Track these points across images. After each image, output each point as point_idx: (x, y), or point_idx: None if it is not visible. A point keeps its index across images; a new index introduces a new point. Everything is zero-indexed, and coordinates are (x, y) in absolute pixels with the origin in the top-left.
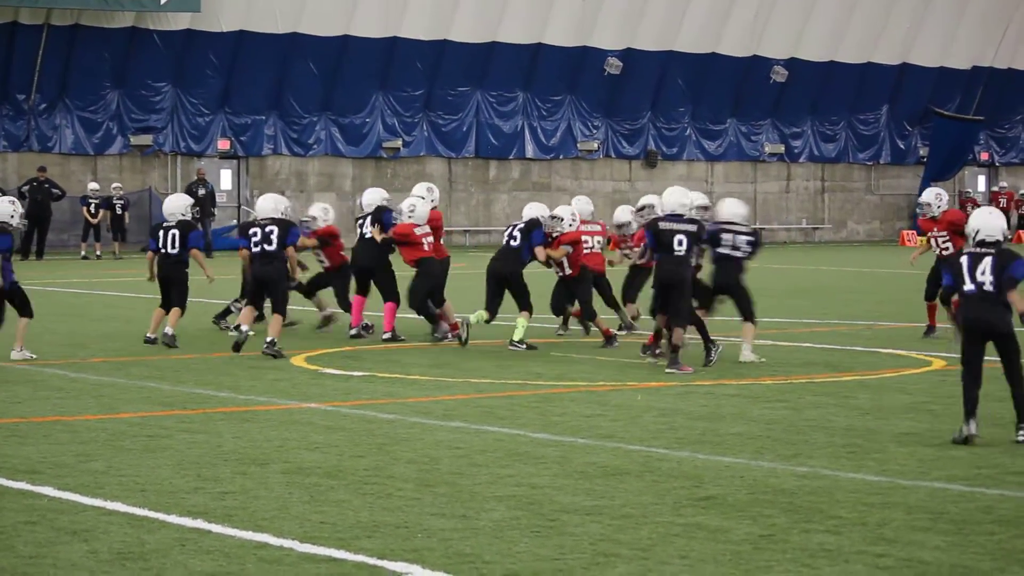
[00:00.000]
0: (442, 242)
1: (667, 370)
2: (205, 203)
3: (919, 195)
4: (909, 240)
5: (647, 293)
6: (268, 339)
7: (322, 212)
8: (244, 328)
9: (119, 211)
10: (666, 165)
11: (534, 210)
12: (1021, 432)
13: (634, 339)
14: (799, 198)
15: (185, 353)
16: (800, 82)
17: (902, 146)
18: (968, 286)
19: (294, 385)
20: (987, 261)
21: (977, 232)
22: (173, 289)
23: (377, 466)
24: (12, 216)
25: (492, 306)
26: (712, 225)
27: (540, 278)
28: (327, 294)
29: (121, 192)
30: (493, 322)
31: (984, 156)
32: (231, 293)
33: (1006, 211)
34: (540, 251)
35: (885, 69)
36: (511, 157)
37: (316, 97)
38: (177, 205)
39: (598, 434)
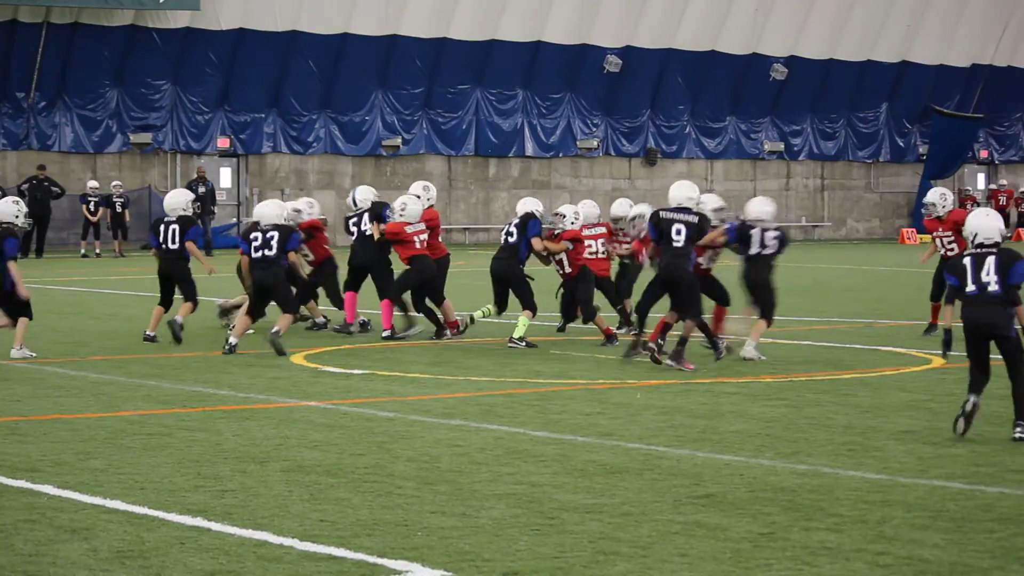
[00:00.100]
0: (441, 240)
1: (667, 361)
2: (205, 201)
3: (919, 193)
4: (909, 238)
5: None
6: (274, 329)
7: (307, 206)
8: (233, 341)
9: (119, 209)
10: (666, 163)
11: (528, 204)
12: (1019, 429)
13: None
14: (799, 196)
15: (185, 351)
16: (800, 80)
17: (902, 144)
18: (970, 287)
19: (294, 383)
20: (990, 261)
21: (975, 235)
22: (178, 285)
23: (377, 464)
24: (17, 216)
25: (500, 303)
26: (736, 223)
27: (541, 277)
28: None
29: (121, 190)
30: (494, 320)
31: (984, 154)
32: (230, 291)
33: (1005, 209)
34: (537, 241)
35: (885, 67)
36: (511, 155)
37: (316, 95)
38: (177, 200)
39: (598, 432)
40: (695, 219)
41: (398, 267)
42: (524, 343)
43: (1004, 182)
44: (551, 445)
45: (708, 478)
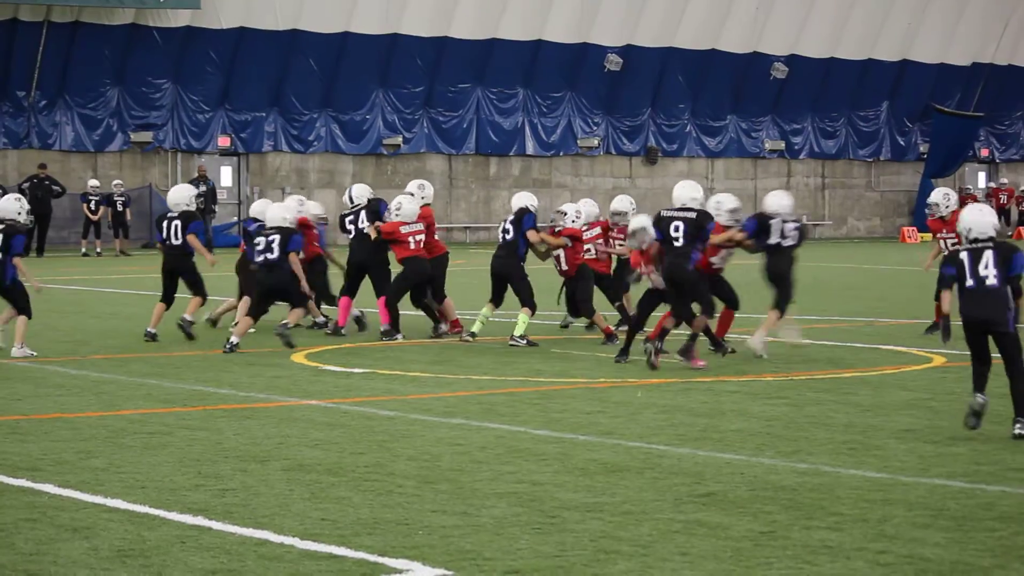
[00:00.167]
0: (438, 238)
1: (676, 356)
2: (206, 200)
3: (920, 192)
4: (910, 237)
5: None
6: (284, 321)
7: (296, 203)
8: (234, 340)
9: (120, 208)
10: (666, 162)
11: (522, 199)
12: (1018, 425)
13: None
14: (799, 195)
15: (186, 350)
16: (800, 78)
17: (902, 143)
18: (969, 282)
19: (294, 382)
20: (988, 255)
21: (969, 231)
22: (184, 281)
23: (378, 463)
24: (19, 213)
25: (497, 299)
26: (755, 216)
27: (541, 276)
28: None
29: (122, 189)
30: (493, 319)
31: (984, 152)
32: (233, 289)
33: (1006, 207)
34: (533, 234)
35: (885, 65)
36: (511, 154)
37: (316, 94)
38: (180, 196)
39: (599, 431)
40: (693, 215)
41: (396, 267)
42: (525, 341)
43: (1005, 180)
44: (552, 444)
45: (709, 477)
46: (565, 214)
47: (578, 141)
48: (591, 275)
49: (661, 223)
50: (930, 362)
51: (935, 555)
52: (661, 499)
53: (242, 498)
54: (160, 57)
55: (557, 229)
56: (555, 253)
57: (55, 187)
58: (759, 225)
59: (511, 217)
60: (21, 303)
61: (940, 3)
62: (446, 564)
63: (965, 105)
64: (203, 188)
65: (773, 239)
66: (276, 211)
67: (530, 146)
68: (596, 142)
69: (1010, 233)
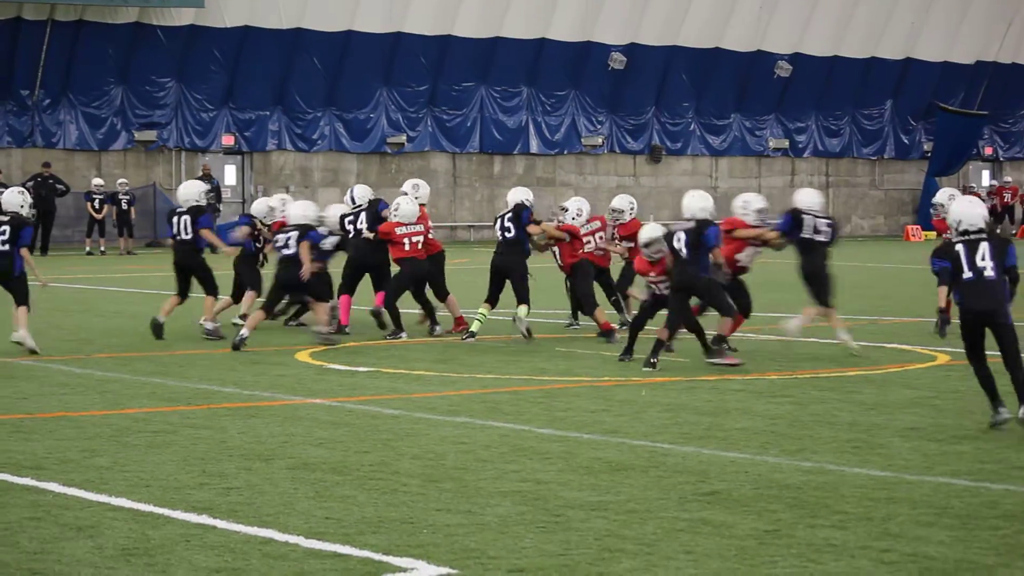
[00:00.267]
0: (434, 236)
1: (709, 361)
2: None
3: (924, 190)
4: (914, 235)
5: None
6: (316, 329)
7: (279, 203)
8: (244, 334)
9: (125, 206)
10: (670, 160)
11: (518, 194)
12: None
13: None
14: None
15: (190, 348)
16: (804, 77)
17: (906, 141)
18: (967, 274)
19: (299, 381)
20: (984, 247)
21: (959, 223)
22: (195, 278)
23: (382, 462)
24: (22, 207)
25: (493, 299)
26: (788, 213)
27: (544, 274)
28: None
29: (127, 187)
30: (494, 318)
31: (988, 151)
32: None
33: (1010, 205)
34: (534, 227)
35: (889, 64)
36: (515, 152)
37: (320, 92)
38: (190, 192)
39: (603, 429)
40: (692, 224)
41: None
42: (526, 326)
43: (1009, 179)
44: (556, 442)
45: (713, 475)
46: (567, 210)
47: (582, 139)
48: (590, 271)
49: (668, 237)
50: (934, 360)
51: (939, 553)
52: (665, 498)
53: (246, 497)
54: (164, 56)
55: (557, 225)
56: (553, 248)
57: (59, 186)
58: (793, 221)
59: (508, 214)
60: (22, 295)
61: (944, 1)
62: (450, 563)
63: (969, 103)
64: (207, 187)
65: (806, 232)
66: (296, 209)
67: (534, 144)
68: (600, 140)
69: (1014, 231)
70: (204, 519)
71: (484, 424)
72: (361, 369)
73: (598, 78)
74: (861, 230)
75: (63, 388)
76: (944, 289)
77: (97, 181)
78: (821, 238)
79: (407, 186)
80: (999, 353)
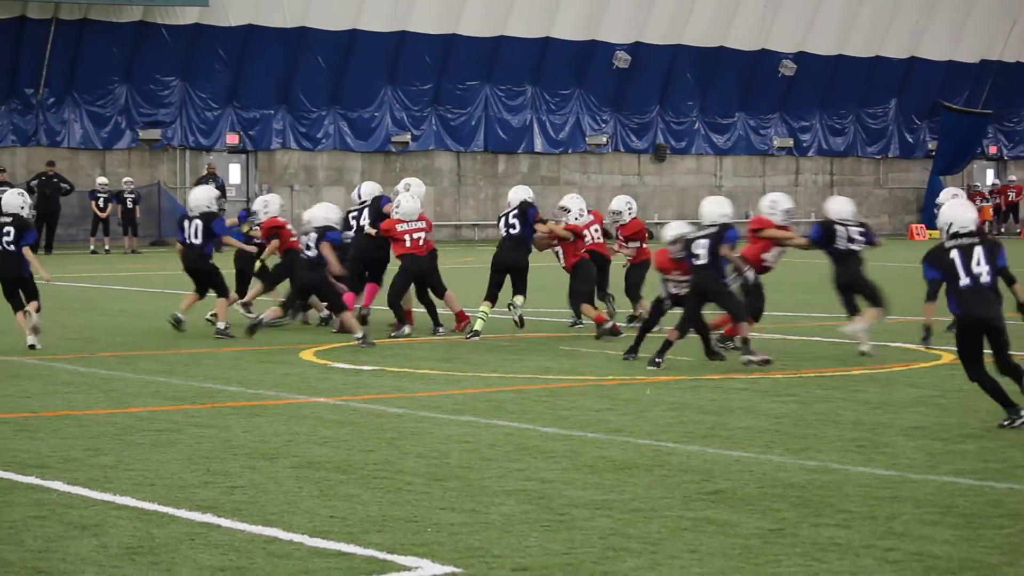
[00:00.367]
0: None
1: (743, 358)
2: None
3: (928, 189)
4: (918, 234)
5: (653, 287)
6: (358, 335)
7: (262, 205)
8: (264, 318)
9: (130, 205)
10: (675, 159)
11: (521, 192)
12: None
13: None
14: (808, 192)
15: (194, 347)
16: (808, 76)
17: (911, 140)
18: (964, 280)
19: (303, 379)
20: (979, 252)
21: (950, 225)
22: (206, 280)
23: (387, 460)
24: (23, 208)
25: (493, 295)
26: (821, 223)
27: (545, 274)
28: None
29: (132, 186)
30: (497, 316)
31: (992, 150)
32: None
33: (1014, 204)
34: (542, 225)
35: (893, 63)
36: (520, 151)
37: (325, 91)
38: (201, 197)
39: (607, 428)
40: (714, 230)
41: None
42: (519, 314)
43: (1013, 178)
44: (561, 441)
45: (718, 474)
46: (569, 211)
47: (586, 138)
48: (591, 271)
49: (687, 245)
50: (939, 359)
51: (944, 552)
52: (670, 496)
53: (251, 495)
54: (168, 54)
55: (563, 225)
56: (556, 248)
57: (63, 184)
58: (825, 232)
59: (513, 211)
60: (33, 292)
61: (948, 0)
62: (455, 561)
63: (973, 102)
64: (219, 192)
65: (840, 243)
66: (319, 211)
67: (538, 143)
68: (604, 139)
69: (1018, 230)
70: (208, 518)
71: (488, 423)
72: (365, 368)
73: (602, 77)
74: None
75: (67, 387)
76: (931, 305)
77: (101, 180)
78: (856, 247)
79: (400, 186)
80: (989, 352)
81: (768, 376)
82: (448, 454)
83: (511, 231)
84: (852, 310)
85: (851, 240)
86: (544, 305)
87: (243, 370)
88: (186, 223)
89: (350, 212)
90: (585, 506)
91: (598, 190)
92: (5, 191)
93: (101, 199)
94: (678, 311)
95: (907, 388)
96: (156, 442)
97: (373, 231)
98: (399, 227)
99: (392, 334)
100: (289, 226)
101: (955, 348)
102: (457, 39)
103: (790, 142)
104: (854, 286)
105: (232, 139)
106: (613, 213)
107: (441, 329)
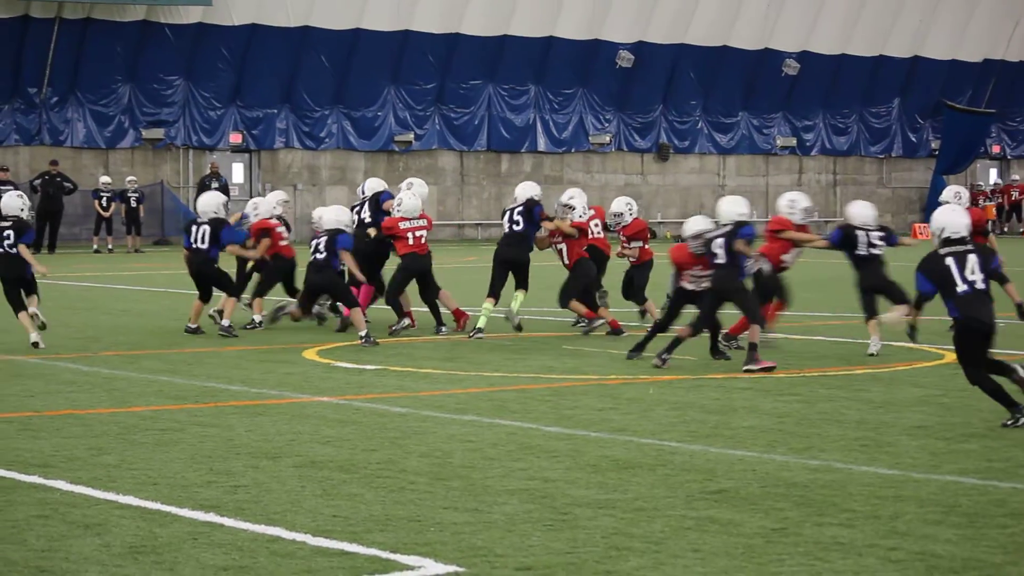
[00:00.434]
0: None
1: (747, 367)
2: None
3: (931, 188)
4: (921, 233)
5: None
6: (361, 333)
7: (251, 208)
8: (291, 310)
9: (134, 204)
10: (678, 158)
11: (528, 189)
12: None
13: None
14: (811, 191)
15: (197, 347)
16: (812, 75)
17: (914, 139)
18: (961, 287)
19: (306, 379)
20: (972, 259)
21: (943, 230)
22: (214, 285)
23: (390, 460)
24: (22, 210)
25: (496, 291)
26: (841, 227)
27: (546, 272)
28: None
29: (136, 185)
30: (499, 316)
31: (996, 149)
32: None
33: (1017, 203)
34: (548, 223)
35: (897, 62)
36: (523, 150)
37: (328, 91)
38: (209, 204)
39: (610, 427)
40: (729, 227)
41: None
42: (517, 321)
43: (1016, 177)
44: (564, 440)
45: (721, 473)
46: (574, 208)
47: (590, 138)
48: (591, 271)
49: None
50: (942, 359)
51: (947, 552)
52: (673, 496)
53: (254, 495)
54: (172, 54)
55: (569, 223)
56: (559, 247)
57: (66, 184)
58: (845, 237)
59: (518, 208)
60: (33, 287)
61: (951, 0)
62: (458, 561)
63: (976, 102)
64: (215, 185)
65: (861, 249)
66: (330, 215)
67: (542, 143)
68: (608, 139)
69: (1022, 229)
70: (211, 517)
71: (491, 422)
72: (368, 367)
73: (606, 76)
74: None
75: (70, 386)
76: (918, 312)
77: (105, 179)
78: (876, 251)
79: (403, 185)
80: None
81: (771, 375)
82: (451, 453)
83: (514, 227)
84: (871, 312)
85: (872, 245)
86: (547, 304)
87: (246, 369)
88: (194, 228)
89: (353, 207)
90: (588, 505)
91: (601, 189)
92: (6, 191)
93: (104, 198)
94: (687, 310)
95: (910, 387)
96: (159, 441)
97: (374, 232)
98: (402, 225)
99: (392, 328)
100: (280, 228)
101: (951, 347)
102: (460, 38)
103: (793, 141)
104: (877, 288)
105: (235, 138)
106: (614, 215)
107: (444, 328)
